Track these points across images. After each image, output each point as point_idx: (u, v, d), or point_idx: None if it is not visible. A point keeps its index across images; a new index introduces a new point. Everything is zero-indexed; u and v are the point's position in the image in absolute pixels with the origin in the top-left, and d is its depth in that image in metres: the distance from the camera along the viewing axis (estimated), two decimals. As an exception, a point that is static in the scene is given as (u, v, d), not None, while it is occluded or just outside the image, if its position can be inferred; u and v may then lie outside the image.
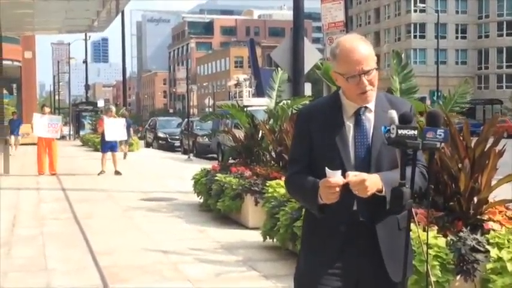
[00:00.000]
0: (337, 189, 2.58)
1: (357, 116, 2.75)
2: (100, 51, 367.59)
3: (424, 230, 4.53)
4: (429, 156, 2.61)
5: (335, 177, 2.59)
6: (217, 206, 9.46)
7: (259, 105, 18.40)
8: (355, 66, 2.66)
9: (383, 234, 2.70)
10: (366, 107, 2.75)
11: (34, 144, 18.51)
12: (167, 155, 26.38)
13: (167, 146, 31.75)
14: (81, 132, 41.45)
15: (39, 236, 8.41)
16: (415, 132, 2.52)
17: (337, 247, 2.70)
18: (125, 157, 22.34)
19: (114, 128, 16.92)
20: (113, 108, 19.01)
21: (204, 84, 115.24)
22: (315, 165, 2.74)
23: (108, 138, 17.04)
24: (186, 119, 29.61)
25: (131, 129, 17.90)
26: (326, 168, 2.62)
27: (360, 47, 2.69)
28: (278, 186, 8.09)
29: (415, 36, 79.29)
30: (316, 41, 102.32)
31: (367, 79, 2.68)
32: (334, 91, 2.90)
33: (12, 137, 25.48)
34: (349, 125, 2.74)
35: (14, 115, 28.75)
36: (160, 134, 33.41)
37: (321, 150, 2.74)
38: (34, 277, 6.33)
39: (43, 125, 16.88)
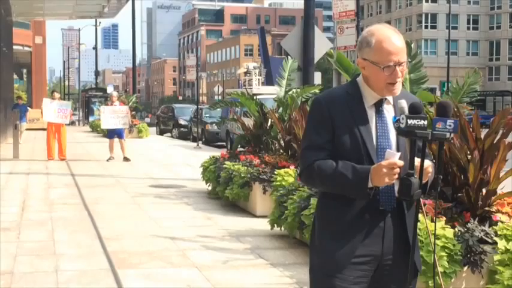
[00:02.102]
0: (398, 170, 2.56)
1: (378, 106, 2.74)
2: (110, 38, 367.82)
3: (432, 221, 4.54)
4: (438, 146, 2.61)
5: (396, 158, 2.56)
6: (226, 193, 9.49)
7: (269, 93, 18.39)
8: (392, 56, 2.66)
9: (410, 223, 2.72)
10: (385, 99, 2.75)
11: (43, 129, 18.55)
12: (176, 143, 26.44)
13: (188, 133, 31.11)
14: (91, 118, 41.57)
15: (48, 221, 8.47)
16: (425, 122, 2.51)
17: (360, 236, 2.68)
18: None
19: (112, 115, 16.75)
20: (115, 94, 18.64)
21: (214, 72, 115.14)
22: (335, 154, 2.72)
23: (103, 126, 17.08)
24: (195, 106, 29.44)
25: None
26: (387, 150, 2.62)
27: (397, 39, 2.69)
28: (286, 175, 8.11)
29: (426, 27, 78.79)
30: (326, 30, 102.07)
31: (400, 70, 2.69)
32: (351, 80, 2.85)
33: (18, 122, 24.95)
34: (371, 115, 2.73)
35: (18, 100, 27.81)
36: (182, 122, 32.98)
37: (344, 139, 2.71)
38: (43, 261, 6.38)
39: (53, 110, 16.92)
